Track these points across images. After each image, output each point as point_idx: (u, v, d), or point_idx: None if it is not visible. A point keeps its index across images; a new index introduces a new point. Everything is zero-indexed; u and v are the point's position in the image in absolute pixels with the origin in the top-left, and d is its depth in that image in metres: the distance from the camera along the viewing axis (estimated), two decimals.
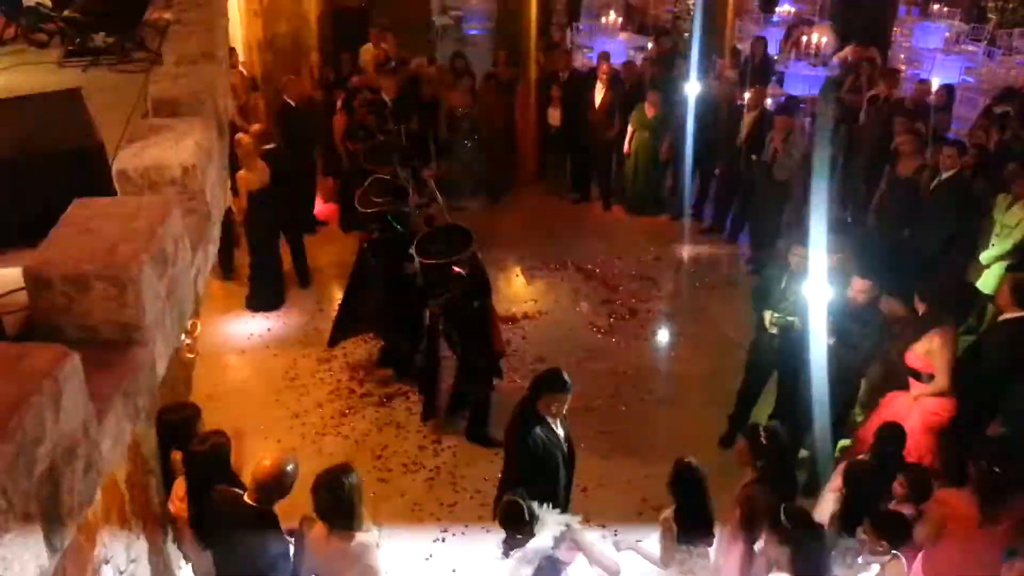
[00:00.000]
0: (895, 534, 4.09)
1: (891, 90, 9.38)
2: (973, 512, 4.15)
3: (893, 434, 4.86)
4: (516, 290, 8.54)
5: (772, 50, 13.14)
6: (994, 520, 4.15)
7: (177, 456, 4.07)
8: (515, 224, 9.91)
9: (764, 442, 4.47)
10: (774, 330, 6.00)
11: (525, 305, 8.35)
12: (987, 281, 7.12)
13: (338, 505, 3.84)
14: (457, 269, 5.97)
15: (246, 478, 3.95)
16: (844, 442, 6.01)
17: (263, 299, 8.19)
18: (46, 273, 2.46)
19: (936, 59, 12.64)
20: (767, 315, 6.07)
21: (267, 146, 8.09)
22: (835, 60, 11.96)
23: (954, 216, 7.36)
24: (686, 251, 9.40)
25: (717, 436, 6.45)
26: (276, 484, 3.76)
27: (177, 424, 4.01)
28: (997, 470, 4.17)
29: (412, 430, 6.69)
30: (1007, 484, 4.18)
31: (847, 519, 4.38)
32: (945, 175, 7.32)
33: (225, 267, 8.48)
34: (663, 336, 8.07)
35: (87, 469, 2.19)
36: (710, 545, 4.37)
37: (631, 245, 9.53)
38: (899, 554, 4.06)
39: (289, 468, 3.80)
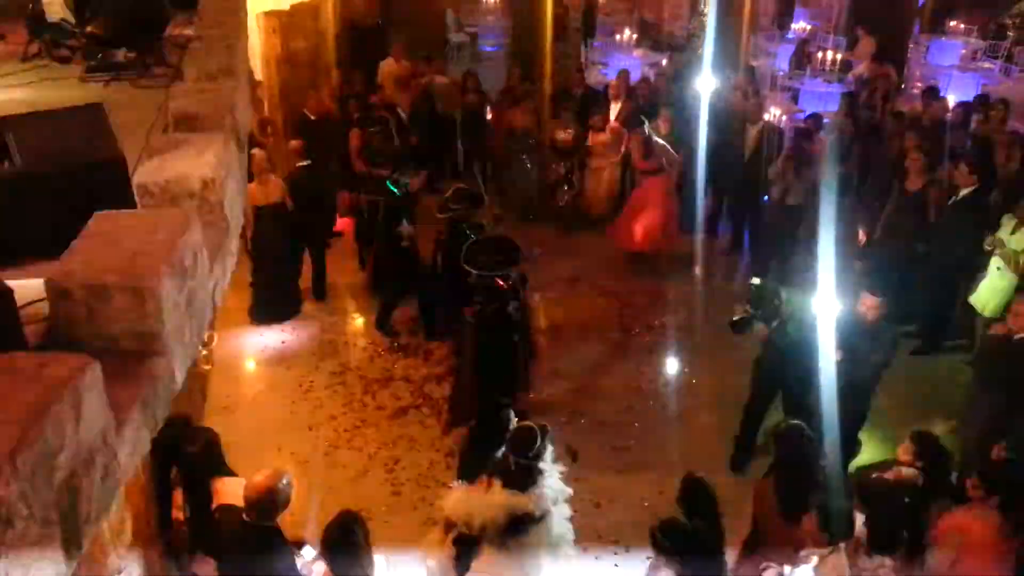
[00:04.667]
0: (838, 527, 4.06)
1: (921, 108, 9.35)
2: (990, 529, 4.11)
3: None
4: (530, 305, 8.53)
5: (783, 66, 13.20)
6: (1013, 534, 4.10)
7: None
8: (529, 239, 9.91)
9: (774, 437, 4.55)
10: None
11: (539, 320, 8.34)
12: (982, 298, 6.89)
13: (348, 555, 3.88)
14: (501, 283, 6.08)
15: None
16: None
17: (265, 311, 8.19)
18: (67, 284, 2.49)
19: (952, 76, 12.60)
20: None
21: (302, 163, 8.13)
22: (850, 76, 11.96)
23: (971, 234, 7.30)
24: (700, 267, 9.37)
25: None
26: (269, 500, 3.71)
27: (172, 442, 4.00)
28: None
29: (425, 444, 6.69)
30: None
31: (872, 539, 4.28)
32: (963, 192, 7.28)
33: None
34: (677, 351, 8.04)
35: (105, 477, 2.21)
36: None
37: (645, 260, 9.51)
38: (840, 548, 4.02)
39: (282, 483, 3.75)
